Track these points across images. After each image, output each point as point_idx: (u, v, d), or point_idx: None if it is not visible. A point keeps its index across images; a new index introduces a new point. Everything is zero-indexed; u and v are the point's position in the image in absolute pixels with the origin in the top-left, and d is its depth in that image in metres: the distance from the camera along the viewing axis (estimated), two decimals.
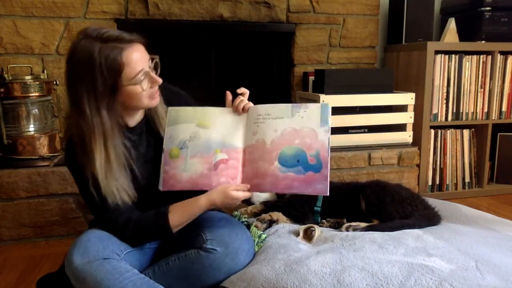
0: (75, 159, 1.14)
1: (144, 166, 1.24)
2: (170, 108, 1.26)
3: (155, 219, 1.17)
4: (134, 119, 1.24)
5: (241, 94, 1.26)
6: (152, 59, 1.16)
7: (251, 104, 1.24)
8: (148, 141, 1.27)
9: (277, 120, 1.19)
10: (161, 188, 1.21)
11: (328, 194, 1.13)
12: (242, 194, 1.17)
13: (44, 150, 1.98)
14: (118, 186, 1.14)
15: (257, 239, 1.31)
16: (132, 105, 1.17)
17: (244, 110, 1.24)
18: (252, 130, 1.21)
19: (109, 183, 1.12)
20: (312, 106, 1.19)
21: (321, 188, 1.14)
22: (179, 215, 1.17)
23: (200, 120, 1.24)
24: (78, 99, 1.08)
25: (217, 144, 1.21)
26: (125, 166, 1.17)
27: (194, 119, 1.24)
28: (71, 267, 1.08)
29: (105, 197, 1.13)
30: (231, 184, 1.18)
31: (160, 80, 1.16)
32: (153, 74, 1.15)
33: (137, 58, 1.09)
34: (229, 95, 1.26)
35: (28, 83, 1.92)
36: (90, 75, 1.05)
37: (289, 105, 1.21)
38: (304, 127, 1.17)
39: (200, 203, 1.17)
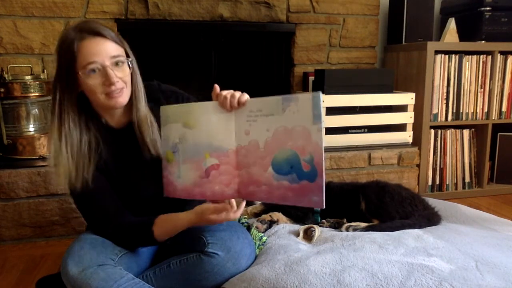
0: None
1: (140, 172, 1.21)
2: (161, 107, 1.17)
3: (140, 230, 1.17)
4: (114, 119, 1.22)
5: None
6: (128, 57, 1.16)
7: (246, 96, 1.08)
8: (139, 146, 1.22)
9: (269, 117, 1.05)
10: (164, 194, 1.17)
11: (324, 207, 1.00)
12: (224, 217, 1.09)
13: (44, 150, 1.98)
14: (70, 167, 1.13)
15: (258, 242, 1.31)
16: (91, 100, 1.16)
17: (233, 106, 1.07)
18: (244, 129, 1.07)
19: (62, 161, 1.12)
20: (302, 97, 1.04)
21: (316, 201, 1.00)
22: (164, 229, 1.15)
23: (185, 119, 1.12)
24: (53, 81, 1.16)
25: (205, 147, 1.09)
26: (85, 156, 1.15)
27: (179, 118, 1.12)
28: (66, 276, 1.08)
29: (93, 206, 1.17)
30: (209, 206, 1.11)
31: (112, 80, 1.10)
32: (110, 71, 1.09)
33: (92, 49, 1.09)
34: (216, 88, 1.10)
35: (28, 83, 1.92)
36: (58, 57, 1.12)
37: (279, 98, 1.05)
38: (296, 126, 1.03)
39: (182, 222, 1.15)
